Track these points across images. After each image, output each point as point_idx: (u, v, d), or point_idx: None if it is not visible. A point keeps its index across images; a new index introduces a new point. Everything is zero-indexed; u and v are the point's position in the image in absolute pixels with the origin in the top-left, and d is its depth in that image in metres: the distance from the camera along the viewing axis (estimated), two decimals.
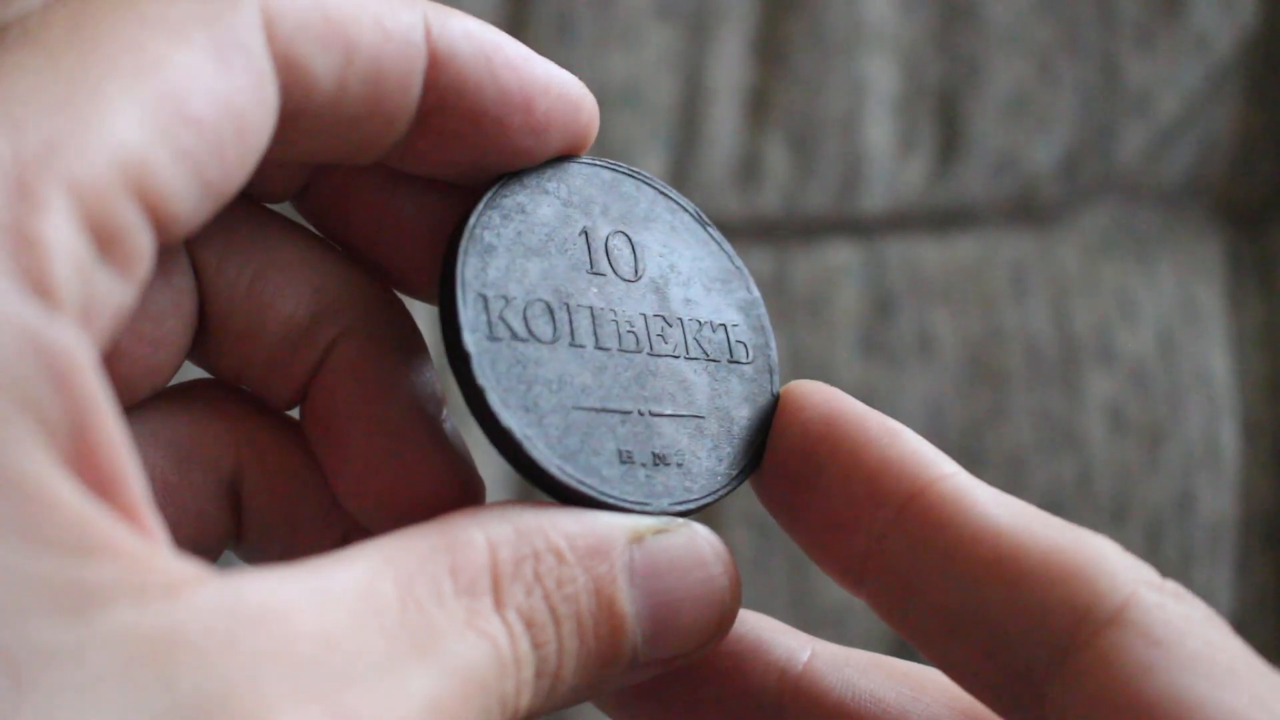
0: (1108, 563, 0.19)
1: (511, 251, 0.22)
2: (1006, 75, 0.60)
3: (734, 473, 0.23)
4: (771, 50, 0.59)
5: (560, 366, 0.22)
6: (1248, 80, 0.62)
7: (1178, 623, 0.19)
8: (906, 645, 0.24)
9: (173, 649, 0.15)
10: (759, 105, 0.59)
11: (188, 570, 0.16)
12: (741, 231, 0.57)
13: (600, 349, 0.23)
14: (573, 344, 0.22)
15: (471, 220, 0.22)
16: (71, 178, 0.16)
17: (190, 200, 0.18)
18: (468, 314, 0.21)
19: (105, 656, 0.15)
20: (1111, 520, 0.58)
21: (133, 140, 0.17)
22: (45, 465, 0.15)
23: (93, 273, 0.17)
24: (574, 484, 0.21)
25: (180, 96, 0.17)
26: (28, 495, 0.15)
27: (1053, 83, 0.60)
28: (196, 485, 0.23)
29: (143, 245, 0.17)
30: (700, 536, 0.22)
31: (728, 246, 0.25)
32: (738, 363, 0.24)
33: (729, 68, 0.59)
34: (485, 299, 0.22)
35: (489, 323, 0.21)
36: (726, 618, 0.22)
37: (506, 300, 0.22)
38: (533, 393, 0.22)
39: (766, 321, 0.25)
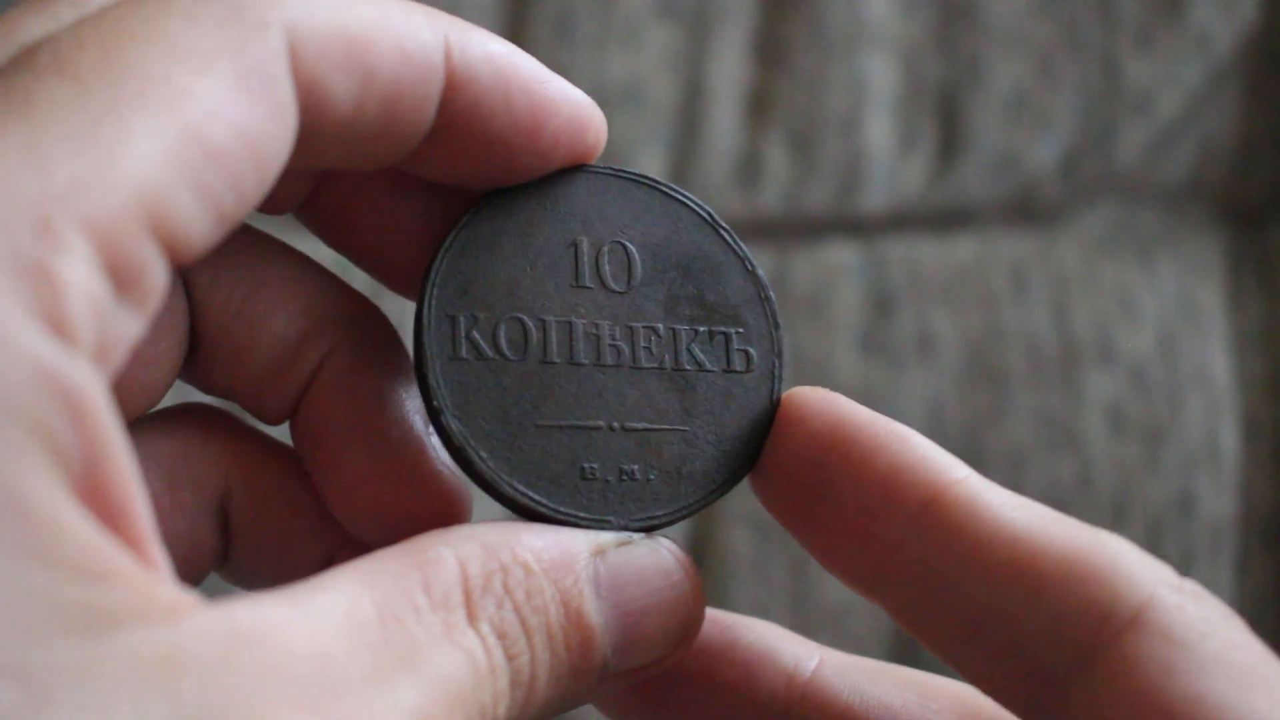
0: (1126, 564, 0.19)
1: (490, 268, 0.23)
2: (1006, 75, 0.60)
3: (711, 487, 0.23)
4: (771, 50, 0.59)
5: (525, 384, 0.23)
6: (1248, 80, 0.62)
7: (1198, 624, 0.19)
8: (910, 645, 0.24)
9: (176, 668, 0.15)
10: (759, 105, 0.59)
11: (185, 598, 0.16)
12: (741, 231, 0.57)
13: (574, 364, 0.23)
14: (544, 361, 0.23)
15: (449, 238, 0.23)
16: (93, 218, 0.16)
17: (206, 231, 0.18)
18: (431, 334, 0.22)
19: (115, 675, 0.15)
20: (1111, 520, 0.58)
21: (155, 178, 0.17)
22: (59, 496, 0.16)
23: (109, 311, 0.17)
24: (525, 500, 0.22)
25: (204, 130, 0.18)
26: (42, 522, 0.15)
27: (1053, 83, 0.60)
28: (186, 506, 0.24)
29: (158, 280, 0.18)
30: (662, 547, 0.22)
31: (743, 248, 0.25)
32: (735, 372, 0.24)
33: (729, 68, 0.59)
34: (453, 319, 0.22)
35: (453, 342, 0.22)
36: (691, 625, 0.22)
37: (476, 319, 0.22)
38: (491, 412, 0.22)
39: (775, 327, 0.25)
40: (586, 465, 0.23)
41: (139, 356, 0.22)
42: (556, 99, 0.22)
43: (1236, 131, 0.63)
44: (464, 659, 0.19)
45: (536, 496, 0.22)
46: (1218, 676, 0.18)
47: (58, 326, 0.16)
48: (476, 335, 0.22)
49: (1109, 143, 0.61)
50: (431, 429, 0.24)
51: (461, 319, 0.22)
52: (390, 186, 0.24)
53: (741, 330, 0.25)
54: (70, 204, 0.16)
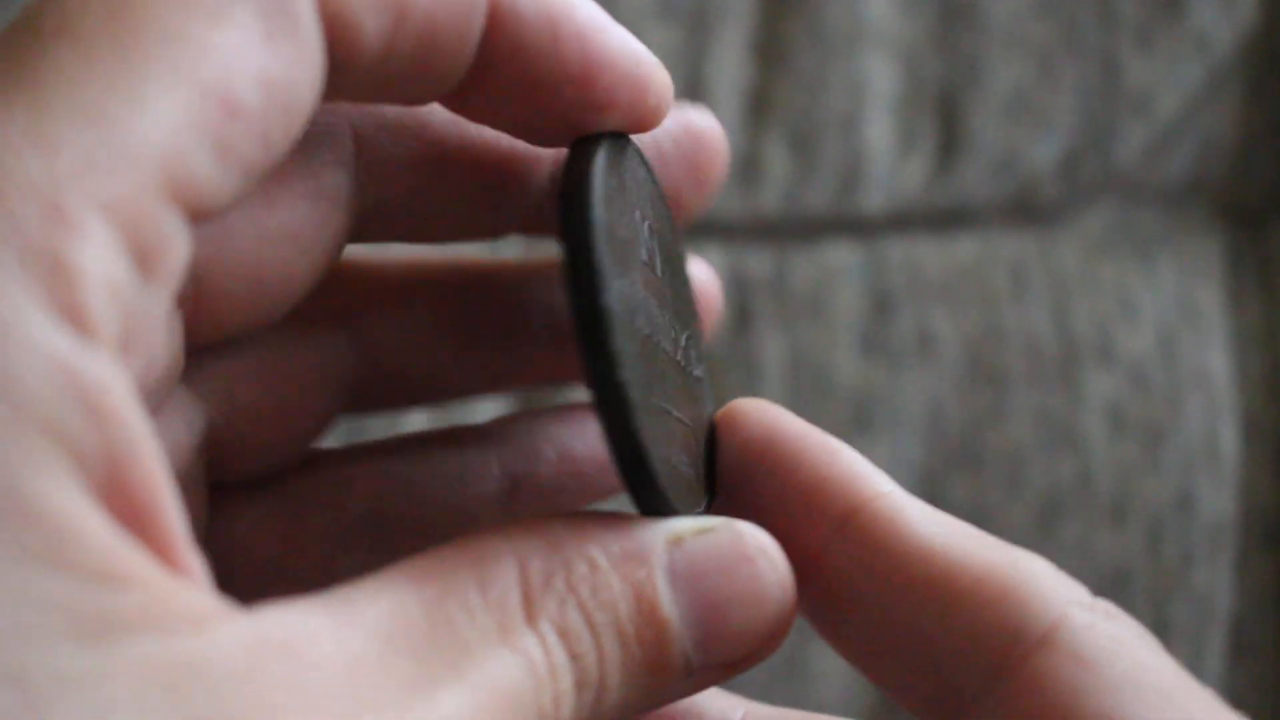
0: (1039, 583, 0.19)
1: (614, 229, 0.20)
2: (1006, 75, 0.60)
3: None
4: (771, 50, 0.59)
5: (649, 361, 0.20)
6: (1248, 80, 0.62)
7: (1107, 644, 0.18)
8: None
9: (189, 678, 0.15)
10: (759, 105, 0.59)
11: (214, 605, 0.16)
12: (742, 231, 0.57)
13: (656, 344, 0.21)
14: (648, 336, 0.21)
15: (592, 189, 0.19)
16: (109, 197, 0.16)
17: (231, 188, 0.17)
18: (612, 303, 0.19)
19: (121, 683, 0.15)
20: (1111, 520, 0.58)
21: (173, 145, 0.16)
22: (75, 497, 0.15)
23: (131, 293, 0.16)
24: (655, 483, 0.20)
25: (225, 86, 0.17)
26: (56, 525, 0.15)
27: (1053, 83, 0.60)
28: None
29: (181, 250, 0.17)
30: (746, 533, 0.21)
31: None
32: (699, 377, 0.24)
33: (729, 68, 0.59)
34: (628, 285, 0.20)
35: (631, 313, 0.20)
36: (783, 617, 0.21)
37: (635, 284, 0.20)
38: (645, 387, 0.20)
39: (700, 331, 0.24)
40: (673, 455, 0.21)
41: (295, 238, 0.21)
42: (614, 51, 0.20)
43: (1236, 131, 0.63)
44: (520, 662, 0.18)
45: (661, 485, 0.20)
46: (1126, 696, 0.18)
47: (75, 319, 0.15)
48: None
49: (1109, 143, 0.61)
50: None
51: (628, 287, 0.20)
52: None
53: (698, 330, 0.24)
54: (83, 184, 0.15)
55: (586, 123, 0.21)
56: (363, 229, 0.22)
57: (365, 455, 0.25)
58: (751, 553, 0.21)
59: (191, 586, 0.16)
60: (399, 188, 0.23)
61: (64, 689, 0.14)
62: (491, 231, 0.24)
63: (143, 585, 0.15)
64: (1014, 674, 0.19)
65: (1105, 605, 0.19)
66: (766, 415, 0.22)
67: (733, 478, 0.22)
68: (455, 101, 0.21)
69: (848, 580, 0.20)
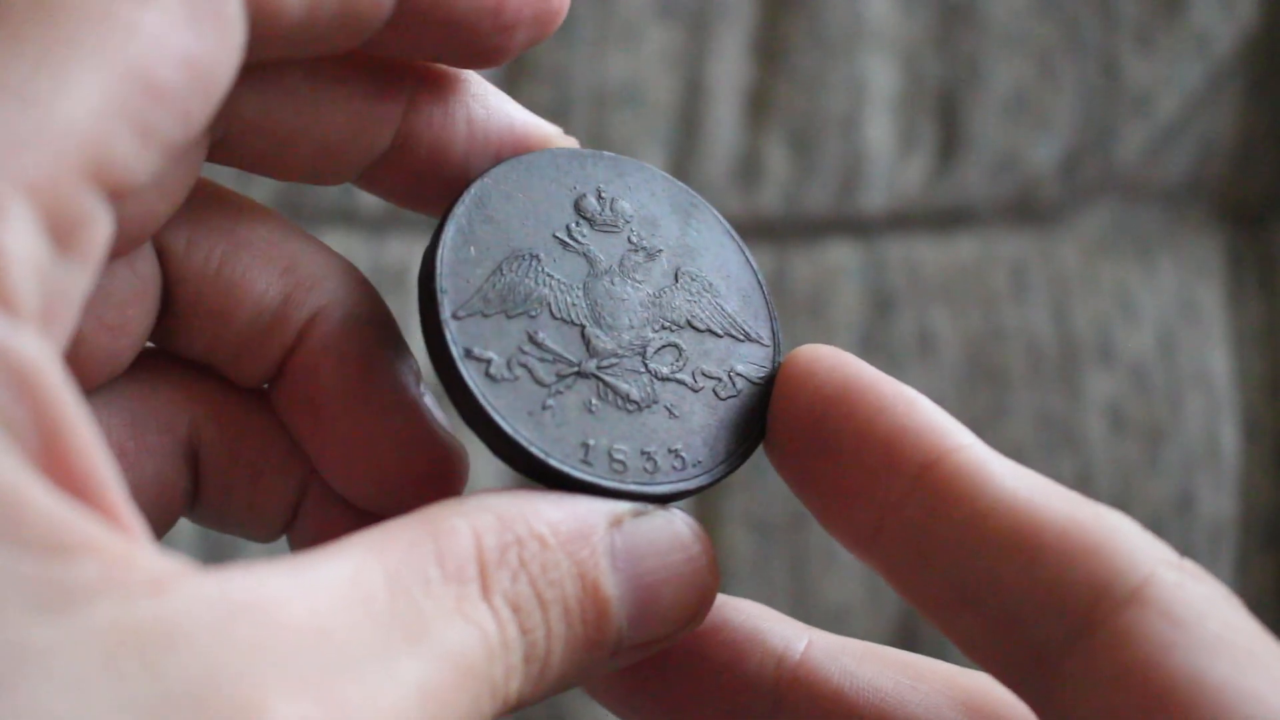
0: (1127, 540, 0.19)
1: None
2: (1006, 75, 0.60)
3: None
4: (771, 50, 0.59)
5: None
6: (1248, 80, 0.62)
7: (1198, 603, 0.18)
8: (909, 642, 0.24)
9: (160, 641, 0.15)
10: (759, 105, 0.59)
11: (172, 566, 0.16)
12: (742, 231, 0.57)
13: None
14: None
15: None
16: (30, 179, 0.16)
17: (149, 165, 0.18)
18: None
19: (90, 652, 0.15)
20: None
21: (96, 127, 0.17)
22: (16, 471, 0.15)
23: (52, 271, 0.16)
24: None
25: (147, 67, 0.17)
26: (2, 501, 0.15)
27: (1053, 83, 0.60)
28: (154, 449, 0.23)
29: (102, 228, 0.17)
30: (678, 519, 0.22)
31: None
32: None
33: (729, 68, 0.59)
34: None
35: None
36: (706, 599, 0.22)
37: None
38: None
39: None
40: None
41: (108, 324, 0.22)
42: None
43: (1236, 131, 0.63)
44: (475, 633, 0.18)
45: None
46: (1218, 656, 0.18)
47: None
48: None
49: (1109, 143, 0.61)
50: (424, 390, 0.24)
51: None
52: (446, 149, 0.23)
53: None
54: (8, 167, 0.16)
55: (497, 46, 0.22)
56: (212, 154, 0.23)
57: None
58: (685, 538, 0.22)
59: (144, 547, 0.16)
60: (248, 132, 0.23)
61: (31, 661, 0.14)
62: (332, 179, 0.24)
63: (97, 552, 0.15)
64: (1101, 629, 0.18)
65: (1192, 565, 0.19)
66: (841, 362, 0.22)
67: (806, 425, 0.22)
68: (374, 44, 0.21)
69: (926, 532, 0.20)
